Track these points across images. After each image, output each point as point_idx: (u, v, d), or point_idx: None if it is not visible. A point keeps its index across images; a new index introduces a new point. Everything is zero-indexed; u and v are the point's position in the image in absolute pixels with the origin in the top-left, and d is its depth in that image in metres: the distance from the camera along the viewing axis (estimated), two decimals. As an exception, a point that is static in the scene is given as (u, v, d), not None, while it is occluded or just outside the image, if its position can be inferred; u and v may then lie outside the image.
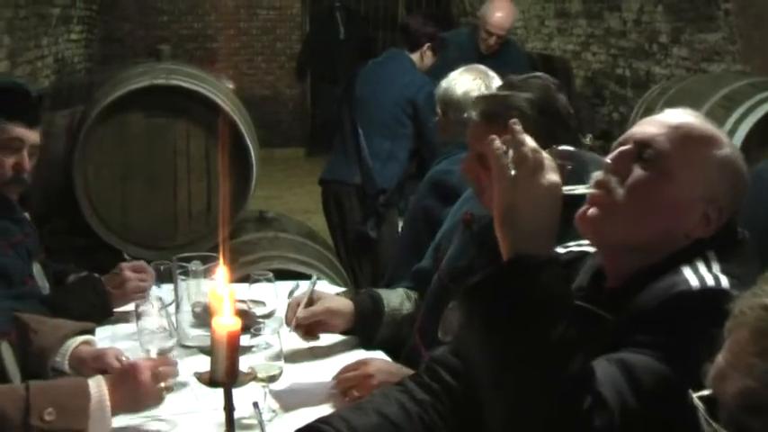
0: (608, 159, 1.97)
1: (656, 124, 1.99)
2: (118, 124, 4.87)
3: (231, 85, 7.59)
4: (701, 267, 1.83)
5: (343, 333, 3.03)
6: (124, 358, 2.75)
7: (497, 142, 1.76)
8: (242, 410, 2.45)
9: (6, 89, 3.33)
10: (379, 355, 2.91)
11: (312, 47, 11.67)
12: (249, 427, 2.42)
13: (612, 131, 7.62)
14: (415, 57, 5.64)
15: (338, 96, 5.96)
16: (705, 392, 1.36)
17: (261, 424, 2.28)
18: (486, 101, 2.72)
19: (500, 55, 6.66)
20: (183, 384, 2.67)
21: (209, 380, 2.07)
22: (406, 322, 3.08)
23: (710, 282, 1.78)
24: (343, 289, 3.85)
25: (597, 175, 1.95)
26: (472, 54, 6.36)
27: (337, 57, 10.70)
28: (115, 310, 3.31)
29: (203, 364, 2.21)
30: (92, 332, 2.95)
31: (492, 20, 6.55)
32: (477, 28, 6.73)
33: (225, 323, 2.03)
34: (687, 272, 1.82)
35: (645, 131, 1.98)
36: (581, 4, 8.61)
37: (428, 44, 5.67)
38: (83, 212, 4.89)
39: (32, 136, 3.26)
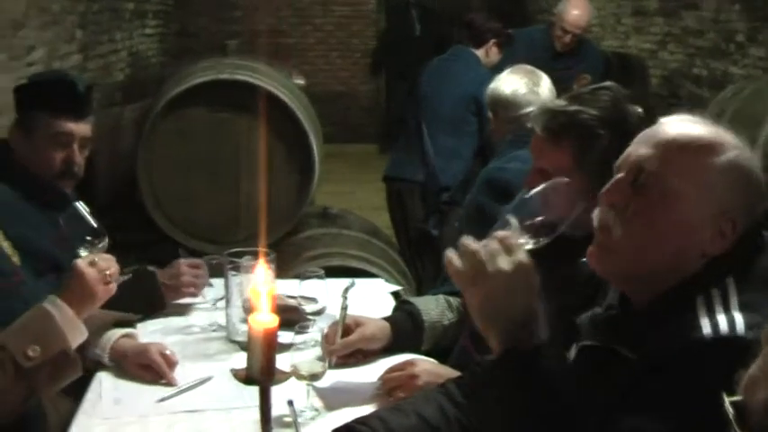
0: (603, 192, 1.87)
1: (648, 142, 1.86)
2: (182, 119, 4.88)
3: (302, 81, 7.59)
4: (717, 303, 1.71)
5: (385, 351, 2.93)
6: (168, 352, 2.75)
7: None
8: (283, 408, 2.44)
9: (52, 83, 3.33)
10: (424, 357, 2.85)
11: (387, 43, 11.64)
12: (289, 425, 2.39)
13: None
14: (480, 53, 5.58)
15: (395, 92, 5.94)
16: (736, 398, 1.31)
17: (295, 423, 2.25)
18: (550, 114, 2.57)
19: (574, 53, 6.60)
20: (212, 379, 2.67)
21: (245, 377, 2.04)
22: (449, 332, 3.01)
23: (724, 326, 1.66)
24: (398, 288, 3.81)
25: (597, 212, 1.86)
26: (545, 52, 6.31)
27: (412, 53, 10.63)
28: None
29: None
30: (132, 325, 2.94)
31: (568, 17, 6.48)
32: (552, 25, 6.65)
33: (262, 320, 2.01)
34: (701, 310, 1.70)
35: (637, 154, 1.85)
36: (657, 2, 8.46)
37: (493, 40, 5.60)
38: (146, 206, 4.91)
39: (81, 129, 3.28)
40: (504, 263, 1.70)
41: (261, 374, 2.01)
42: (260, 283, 2.13)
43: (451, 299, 3.10)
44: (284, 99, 4.88)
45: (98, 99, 7.04)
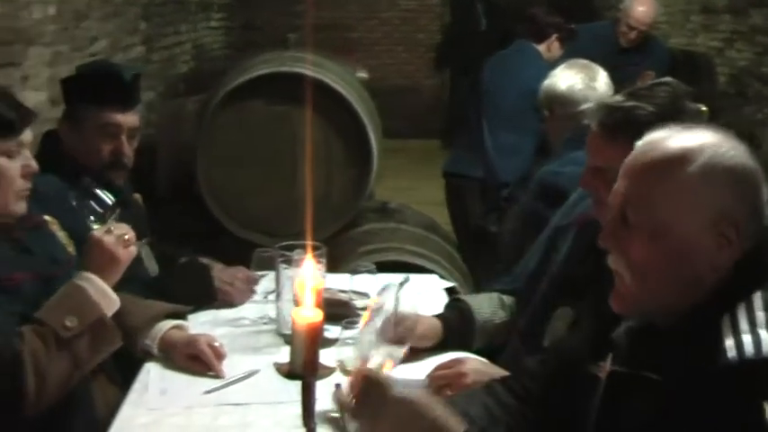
0: (600, 238, 1.83)
1: (626, 173, 1.81)
2: (240, 111, 4.88)
3: (365, 75, 7.56)
4: (742, 321, 1.64)
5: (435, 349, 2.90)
6: (217, 344, 2.75)
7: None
8: (328, 403, 2.42)
9: (98, 74, 3.32)
10: (473, 355, 2.81)
11: (452, 38, 11.57)
12: (333, 421, 2.37)
13: (756, 132, 7.34)
14: (541, 48, 5.51)
15: (460, 87, 5.89)
16: None
17: (342, 418, 2.23)
18: (607, 110, 2.51)
19: (640, 50, 6.52)
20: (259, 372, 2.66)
21: (288, 371, 2.03)
22: (501, 331, 2.97)
23: (749, 349, 1.59)
24: (451, 284, 3.77)
25: (610, 260, 1.83)
26: (610, 47, 6.23)
27: (477, 48, 10.54)
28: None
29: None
30: (184, 317, 2.95)
31: (634, 13, 6.41)
32: (618, 21, 6.57)
33: (306, 314, 1.99)
34: (726, 329, 1.64)
35: (619, 190, 1.80)
36: (726, 0, 8.33)
37: (555, 35, 5.52)
38: (204, 197, 4.92)
39: (129, 119, 3.28)
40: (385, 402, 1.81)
41: (304, 369, 1.99)
42: (306, 278, 2.12)
43: (504, 297, 3.05)
44: (343, 92, 4.86)
45: (161, 91, 7.12)
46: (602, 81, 3.85)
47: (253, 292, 3.29)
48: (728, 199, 1.70)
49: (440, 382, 2.56)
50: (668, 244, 1.72)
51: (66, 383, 2.39)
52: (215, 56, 9.62)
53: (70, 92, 3.30)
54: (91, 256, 2.53)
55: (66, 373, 2.38)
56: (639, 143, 1.84)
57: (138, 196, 3.62)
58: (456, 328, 2.89)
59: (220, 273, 3.30)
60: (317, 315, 1.98)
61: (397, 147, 11.63)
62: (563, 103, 3.77)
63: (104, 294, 2.49)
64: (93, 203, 2.64)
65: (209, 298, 3.26)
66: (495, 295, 3.07)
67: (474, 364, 2.62)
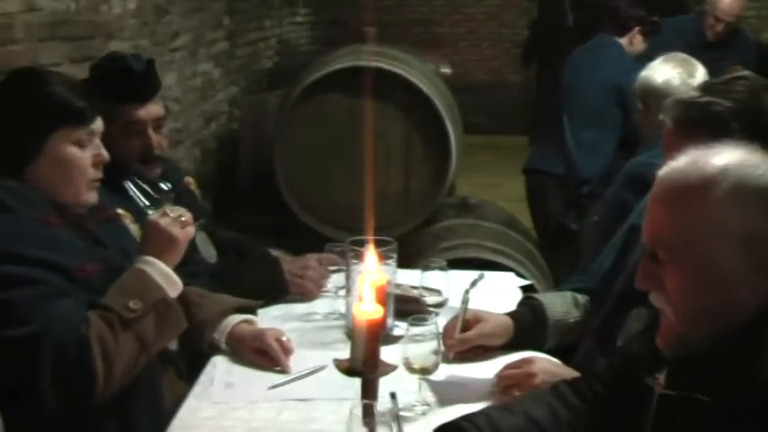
0: (637, 282, 1.79)
1: (650, 205, 1.76)
2: (319, 105, 4.88)
3: (448, 70, 7.52)
4: None
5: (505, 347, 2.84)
6: (285, 338, 2.73)
7: None
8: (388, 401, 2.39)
9: (109, 72, 3.19)
10: (544, 354, 2.75)
11: (538, 33, 11.45)
12: (396, 417, 2.33)
13: None
14: (624, 41, 5.39)
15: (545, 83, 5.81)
16: None
17: (397, 417, 2.19)
18: (681, 106, 2.44)
19: (727, 44, 6.37)
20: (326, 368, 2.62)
21: (348, 368, 2.01)
22: (574, 331, 2.90)
23: None
24: (527, 282, 3.71)
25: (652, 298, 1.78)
26: (695, 41, 6.09)
27: (563, 43, 10.43)
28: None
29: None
30: (253, 311, 2.94)
31: (721, 5, 6.29)
32: (704, 14, 6.43)
33: (366, 310, 1.96)
34: None
35: (645, 226, 1.76)
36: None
37: (638, 28, 5.40)
38: (282, 191, 4.93)
39: (151, 110, 3.20)
40: None
41: (363, 366, 1.97)
42: (367, 273, 2.09)
43: (579, 296, 2.98)
44: (422, 87, 4.83)
45: (244, 86, 7.16)
46: (700, 77, 3.75)
47: (325, 280, 3.26)
48: (757, 219, 1.64)
49: (508, 382, 2.51)
50: (702, 275, 1.66)
51: (133, 367, 2.39)
52: (300, 51, 9.65)
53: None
54: (149, 239, 2.54)
55: (133, 355, 2.38)
56: (661, 173, 1.78)
57: (190, 179, 3.59)
58: (527, 326, 2.83)
59: (291, 265, 3.29)
60: (378, 311, 1.95)
61: (483, 143, 11.58)
62: (657, 98, 3.66)
63: (166, 276, 2.49)
64: (149, 192, 2.65)
65: (280, 292, 3.24)
66: (568, 294, 3.00)
67: (543, 364, 2.56)
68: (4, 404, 2.26)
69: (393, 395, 2.31)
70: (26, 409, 2.32)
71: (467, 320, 2.76)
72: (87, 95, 2.58)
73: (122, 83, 3.12)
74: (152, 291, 2.44)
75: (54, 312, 2.30)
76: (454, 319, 2.78)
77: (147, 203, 2.63)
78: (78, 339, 2.29)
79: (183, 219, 2.56)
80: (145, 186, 2.76)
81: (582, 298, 2.96)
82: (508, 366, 2.57)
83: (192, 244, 3.25)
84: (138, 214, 2.85)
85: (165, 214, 2.55)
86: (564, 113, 5.35)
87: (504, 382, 2.51)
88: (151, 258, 2.49)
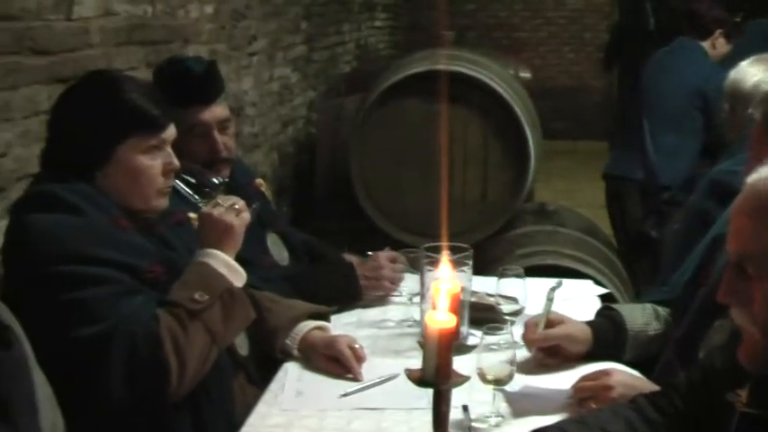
0: (719, 295, 1.72)
1: (735, 217, 1.69)
2: (395, 110, 4.85)
3: (527, 75, 7.45)
4: None
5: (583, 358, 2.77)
6: (357, 346, 2.70)
7: None
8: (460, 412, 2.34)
9: (170, 76, 3.16)
10: (622, 366, 2.67)
11: (619, 37, 11.31)
12: (473, 430, 2.29)
13: None
14: (706, 45, 5.27)
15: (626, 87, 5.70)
16: None
17: (469, 429, 2.14)
18: None
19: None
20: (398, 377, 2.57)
21: (419, 378, 1.96)
22: (654, 343, 2.81)
23: None
24: (606, 291, 3.62)
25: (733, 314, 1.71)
26: (782, 43, 5.93)
27: (646, 48, 10.29)
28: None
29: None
30: (326, 317, 2.91)
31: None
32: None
33: (439, 319, 1.91)
34: None
35: (732, 242, 1.68)
36: None
37: (719, 30, 5.28)
38: (357, 196, 4.90)
39: (216, 112, 3.19)
40: None
41: (435, 376, 1.92)
42: (441, 280, 2.04)
43: (660, 308, 2.89)
44: (501, 92, 4.77)
45: (322, 91, 7.15)
46: None
47: (402, 269, 3.22)
48: None
49: (584, 394, 2.44)
50: None
51: (205, 361, 2.39)
52: (378, 56, 9.63)
53: None
54: (205, 231, 2.53)
55: (205, 348, 2.37)
56: (750, 181, 1.71)
57: (260, 181, 3.58)
58: (606, 336, 2.75)
59: (363, 268, 3.26)
60: (451, 320, 1.90)
61: (564, 148, 11.50)
62: (745, 102, 3.55)
63: (228, 266, 2.48)
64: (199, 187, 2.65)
65: (353, 298, 3.22)
66: (649, 306, 2.91)
67: (621, 376, 2.48)
68: (74, 406, 2.25)
69: (465, 408, 2.26)
70: (96, 412, 2.32)
71: (550, 320, 2.71)
72: (161, 102, 2.57)
73: (184, 85, 3.11)
74: (216, 281, 2.43)
75: (125, 310, 2.31)
76: (537, 316, 2.74)
77: (199, 198, 2.61)
78: (149, 336, 2.30)
79: (236, 206, 2.55)
80: (194, 181, 2.72)
81: (663, 310, 2.87)
82: (584, 378, 2.50)
83: (264, 247, 3.25)
84: (193, 211, 2.83)
85: (217, 204, 2.54)
86: (644, 118, 5.25)
87: (581, 394, 2.44)
88: (211, 250, 2.48)
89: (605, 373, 2.48)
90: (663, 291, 2.98)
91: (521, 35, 12.68)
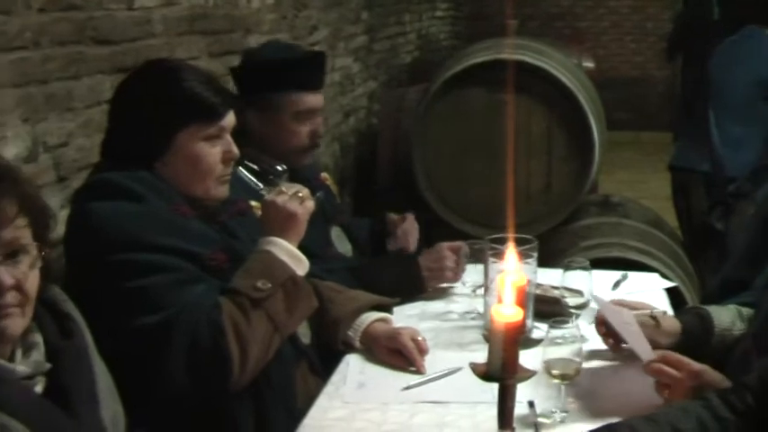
0: None
1: None
2: (458, 100, 4.80)
3: (591, 64, 7.37)
4: None
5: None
6: (420, 338, 2.66)
7: None
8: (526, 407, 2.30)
9: (286, 60, 3.28)
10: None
11: (683, 27, 11.16)
12: (538, 425, 2.24)
13: None
14: (774, 33, 5.15)
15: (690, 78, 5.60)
16: None
17: (536, 426, 2.10)
18: None
19: None
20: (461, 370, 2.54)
21: (485, 373, 1.92)
22: (737, 344, 2.73)
23: None
24: (672, 284, 3.55)
25: None
26: None
27: (711, 38, 10.13)
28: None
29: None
30: (389, 309, 2.88)
31: None
32: None
33: (505, 313, 1.87)
34: None
35: None
36: None
37: (787, 18, 5.16)
38: (420, 186, 4.87)
39: (320, 99, 3.32)
40: None
41: (501, 370, 1.88)
42: (507, 273, 2.00)
43: (743, 309, 2.81)
44: (565, 82, 4.71)
45: (383, 81, 7.13)
46: None
47: (462, 268, 3.19)
48: None
49: (665, 380, 2.35)
50: None
51: (267, 350, 2.38)
52: (440, 46, 9.58)
53: (260, 79, 3.25)
54: (268, 219, 2.51)
55: (267, 336, 2.37)
56: None
57: (326, 175, 3.61)
58: (693, 331, 2.67)
59: (426, 260, 3.22)
60: (518, 313, 1.86)
61: (627, 139, 11.39)
62: None
63: (291, 254, 2.47)
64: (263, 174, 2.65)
65: (417, 290, 3.18)
66: (732, 306, 2.83)
67: (707, 374, 2.38)
68: (137, 396, 2.24)
69: (531, 403, 2.22)
70: (158, 402, 2.31)
71: (634, 306, 2.67)
72: (220, 90, 2.56)
73: (301, 70, 3.25)
74: (278, 269, 2.42)
75: (187, 298, 2.32)
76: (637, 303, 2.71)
77: (262, 186, 2.60)
78: (212, 324, 2.30)
79: (300, 194, 2.53)
80: (257, 169, 2.73)
81: (746, 311, 2.78)
82: (666, 359, 2.39)
83: (328, 240, 3.24)
84: (257, 198, 2.82)
85: (281, 192, 2.53)
86: (709, 109, 5.14)
87: (663, 378, 2.35)
88: (274, 238, 2.47)
89: (687, 364, 2.38)
90: (747, 294, 2.89)
91: (583, 25, 12.56)
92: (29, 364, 1.81)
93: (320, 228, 3.22)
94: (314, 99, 3.27)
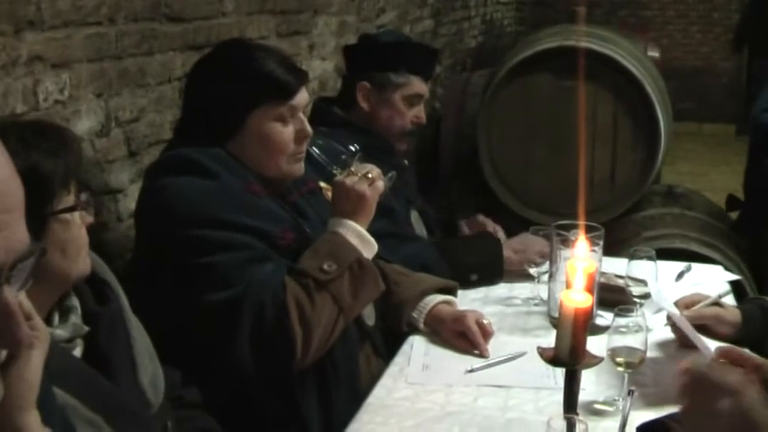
0: None
1: None
2: (524, 86, 4.78)
3: (656, 54, 7.29)
4: None
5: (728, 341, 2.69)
6: (485, 322, 2.66)
7: None
8: (595, 394, 2.30)
9: (413, 46, 3.58)
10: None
11: (751, 18, 11.01)
12: (599, 413, 2.25)
13: None
14: None
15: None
16: None
17: (623, 412, 2.09)
18: None
19: None
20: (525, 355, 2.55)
21: (553, 357, 1.92)
22: None
23: None
24: (735, 277, 3.52)
25: None
26: None
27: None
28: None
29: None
30: (454, 292, 2.88)
31: None
32: None
33: (575, 298, 1.87)
34: None
35: None
36: None
37: None
38: (484, 172, 4.86)
39: (427, 90, 3.49)
40: None
41: (569, 356, 1.88)
42: (578, 260, 2.00)
43: None
44: (632, 70, 4.68)
45: (448, 65, 7.12)
46: None
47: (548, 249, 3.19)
48: None
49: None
50: None
51: (331, 332, 2.40)
52: (505, 32, 9.54)
53: (379, 58, 3.41)
54: (338, 200, 2.53)
55: (331, 319, 2.38)
56: None
57: (405, 162, 3.66)
58: (754, 321, 2.67)
59: (511, 243, 3.29)
60: (587, 300, 1.86)
61: (690, 130, 11.28)
62: None
63: (360, 236, 2.48)
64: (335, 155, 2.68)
65: (497, 275, 3.21)
66: None
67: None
68: (204, 372, 2.27)
69: (631, 392, 2.21)
70: (224, 379, 2.34)
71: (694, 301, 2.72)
72: (292, 68, 2.58)
73: (425, 57, 3.52)
74: (346, 252, 2.43)
75: (255, 277, 2.33)
76: (699, 295, 2.75)
77: (335, 166, 2.61)
78: (277, 304, 2.31)
79: (370, 175, 2.53)
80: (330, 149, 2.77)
81: None
82: (727, 353, 2.38)
83: (408, 220, 3.28)
84: (327, 179, 2.84)
85: (351, 173, 2.54)
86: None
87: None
88: (343, 219, 2.48)
89: (753, 359, 2.36)
90: None
91: (648, 14, 12.44)
92: (67, 327, 1.82)
93: (403, 207, 3.34)
94: (423, 87, 3.44)
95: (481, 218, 3.65)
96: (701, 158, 10.18)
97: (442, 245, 3.30)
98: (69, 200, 1.78)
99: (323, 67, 4.54)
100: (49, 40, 2.54)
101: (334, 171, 2.59)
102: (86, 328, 1.85)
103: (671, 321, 2.65)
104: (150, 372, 1.96)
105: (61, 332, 1.81)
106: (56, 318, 1.83)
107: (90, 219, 1.86)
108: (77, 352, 1.84)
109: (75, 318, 1.85)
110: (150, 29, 3.06)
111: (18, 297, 1.14)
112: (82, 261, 1.82)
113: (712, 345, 2.47)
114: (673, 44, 12.01)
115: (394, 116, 3.38)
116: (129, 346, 1.93)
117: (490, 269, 3.19)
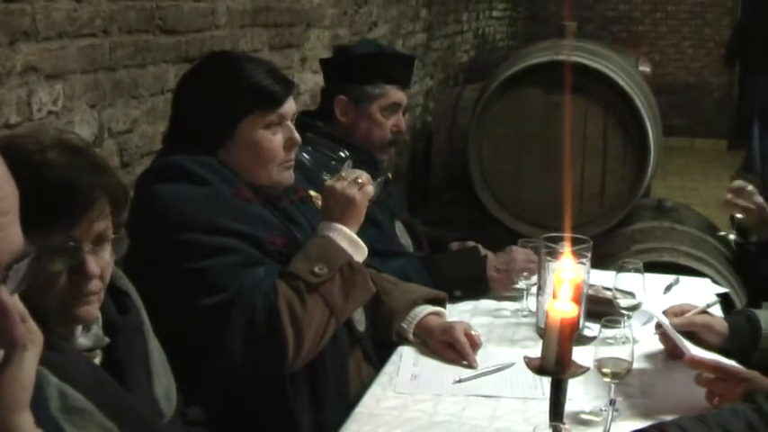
0: None
1: None
2: (515, 100, 4.81)
3: (647, 69, 7.34)
4: None
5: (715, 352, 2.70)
6: (473, 333, 2.69)
7: None
8: (582, 404, 2.32)
9: (385, 55, 3.48)
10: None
11: (743, 34, 11.09)
12: (586, 423, 2.27)
13: None
14: None
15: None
16: None
17: (605, 422, 2.12)
18: None
19: None
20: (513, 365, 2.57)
21: (539, 367, 1.94)
22: None
23: None
24: (724, 290, 3.55)
25: None
26: None
27: (769, 46, 10.08)
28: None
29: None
30: (443, 303, 2.91)
31: None
32: None
33: (561, 308, 1.90)
34: None
35: None
36: None
37: None
38: (475, 185, 4.89)
39: (405, 98, 3.42)
40: None
41: (555, 365, 1.91)
42: (564, 271, 2.03)
43: None
44: (623, 84, 4.70)
45: (440, 79, 7.15)
46: None
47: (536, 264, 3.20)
48: None
49: (715, 389, 2.36)
50: None
51: (322, 334, 2.41)
52: (497, 47, 9.58)
53: (354, 71, 3.38)
54: (328, 204, 2.54)
55: (322, 321, 2.40)
56: None
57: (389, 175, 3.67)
58: (741, 332, 2.69)
59: (496, 261, 3.26)
60: (573, 310, 1.89)
61: (681, 145, 11.33)
62: None
63: (350, 239, 2.50)
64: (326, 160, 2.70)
65: (481, 291, 3.22)
66: None
67: (757, 381, 2.40)
68: (194, 376, 2.29)
69: (613, 402, 2.24)
70: (215, 382, 2.36)
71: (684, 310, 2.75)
72: (280, 78, 2.60)
73: (398, 66, 3.45)
74: (336, 254, 2.45)
75: (246, 281, 2.35)
76: (689, 305, 2.79)
77: (326, 173, 2.64)
78: (267, 306, 2.33)
79: (359, 180, 2.55)
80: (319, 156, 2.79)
81: None
82: (716, 367, 2.40)
83: (393, 231, 3.29)
84: (317, 187, 2.86)
85: (341, 178, 2.56)
86: (757, 120, 5.10)
87: (708, 385, 2.37)
88: (333, 223, 2.50)
89: (738, 372, 2.39)
90: None
91: (640, 29, 12.50)
92: (89, 337, 1.85)
93: (388, 219, 3.33)
94: (401, 95, 3.40)
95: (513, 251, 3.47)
96: (693, 173, 10.22)
97: (427, 260, 3.32)
98: None
99: (315, 80, 4.56)
100: (43, 51, 2.57)
101: (324, 177, 2.62)
102: (107, 340, 1.88)
103: (660, 331, 2.68)
104: (164, 383, 1.98)
105: (83, 341, 1.84)
106: (78, 327, 1.85)
107: None
108: (97, 360, 1.86)
109: (97, 328, 1.87)
110: (144, 41, 3.09)
111: (13, 298, 1.17)
112: None
113: (700, 354, 2.51)
114: (665, 60, 12.07)
115: (373, 128, 3.36)
116: (146, 356, 1.95)
117: (474, 285, 3.21)
